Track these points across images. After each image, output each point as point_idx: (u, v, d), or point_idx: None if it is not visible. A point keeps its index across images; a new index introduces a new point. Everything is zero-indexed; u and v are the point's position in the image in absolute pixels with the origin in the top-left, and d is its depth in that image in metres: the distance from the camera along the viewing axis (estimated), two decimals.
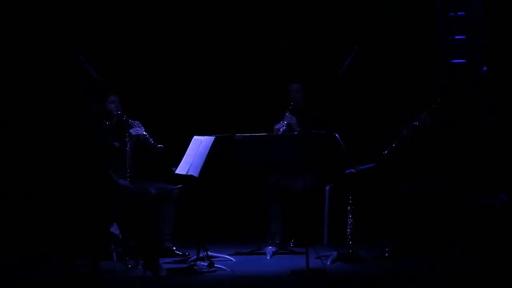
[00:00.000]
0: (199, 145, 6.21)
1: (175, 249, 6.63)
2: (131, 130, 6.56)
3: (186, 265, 6.21)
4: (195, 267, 6.07)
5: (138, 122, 6.61)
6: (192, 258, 6.30)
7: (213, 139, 6.13)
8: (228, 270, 6.03)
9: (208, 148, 6.09)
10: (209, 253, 6.26)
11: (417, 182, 6.29)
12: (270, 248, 6.69)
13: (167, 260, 6.38)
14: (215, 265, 6.08)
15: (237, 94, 8.13)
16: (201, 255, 6.22)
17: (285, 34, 8.01)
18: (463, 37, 7.38)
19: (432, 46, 7.51)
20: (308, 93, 7.06)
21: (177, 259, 6.51)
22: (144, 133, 6.56)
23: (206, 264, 6.10)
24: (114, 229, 6.47)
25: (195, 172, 6.14)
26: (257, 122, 7.13)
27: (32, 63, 7.82)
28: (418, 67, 7.60)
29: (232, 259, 6.49)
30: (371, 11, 7.87)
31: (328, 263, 6.20)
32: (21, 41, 7.83)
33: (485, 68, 7.18)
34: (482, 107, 6.87)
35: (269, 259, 6.56)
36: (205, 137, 6.22)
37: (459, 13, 7.35)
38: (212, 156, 6.09)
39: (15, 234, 7.46)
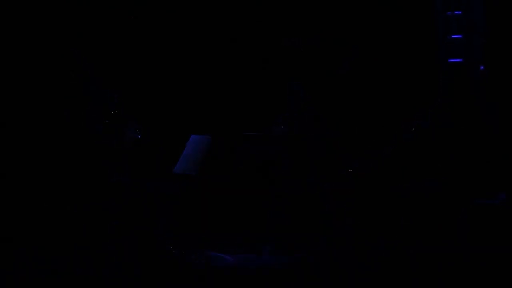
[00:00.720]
0: (197, 144, 6.21)
1: (174, 248, 6.63)
2: (128, 131, 6.58)
3: (184, 264, 6.21)
4: (193, 267, 6.07)
5: (135, 123, 6.62)
6: (191, 257, 6.30)
7: (210, 138, 6.14)
8: (226, 268, 6.03)
9: (206, 147, 6.10)
10: (208, 252, 6.27)
11: (417, 182, 6.30)
12: (269, 248, 6.69)
13: (165, 259, 6.38)
14: (214, 263, 6.09)
15: (237, 94, 8.13)
16: (200, 254, 6.23)
17: (285, 34, 8.02)
18: (463, 36, 7.37)
19: (432, 45, 7.51)
20: (308, 93, 7.07)
21: (176, 258, 6.50)
22: (139, 136, 6.57)
23: (205, 263, 6.12)
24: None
25: (193, 171, 6.14)
26: (257, 122, 7.13)
27: (32, 63, 7.82)
28: (417, 66, 7.60)
29: (230, 258, 6.49)
30: (371, 11, 7.88)
31: (327, 261, 6.20)
32: (21, 41, 7.83)
33: (482, 68, 7.18)
34: (482, 107, 6.87)
35: (267, 258, 6.56)
36: (203, 136, 6.23)
37: (459, 12, 7.35)
38: (211, 155, 6.10)
39: (15, 234, 7.46)
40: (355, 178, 6.37)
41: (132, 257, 6.15)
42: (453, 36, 7.39)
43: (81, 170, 5.95)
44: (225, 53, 8.19)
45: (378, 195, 6.94)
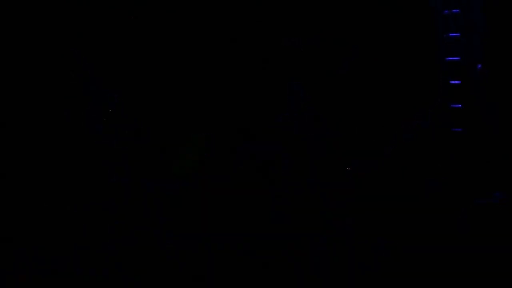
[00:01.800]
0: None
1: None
2: (128, 131, 6.58)
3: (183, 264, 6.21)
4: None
5: (135, 123, 6.62)
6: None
7: None
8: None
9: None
10: None
11: (417, 182, 6.29)
12: None
13: (165, 259, 6.37)
14: None
15: (237, 94, 8.13)
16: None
17: (285, 34, 8.01)
18: (463, 35, 7.37)
19: (432, 45, 7.51)
20: (308, 93, 7.07)
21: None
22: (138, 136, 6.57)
23: None
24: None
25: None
26: (256, 123, 7.13)
27: (32, 63, 7.82)
28: (418, 66, 7.59)
29: None
30: (370, 11, 7.87)
31: (327, 261, 6.20)
32: (21, 41, 7.83)
33: (479, 66, 7.18)
34: (482, 107, 6.87)
35: None
36: None
37: (458, 11, 7.35)
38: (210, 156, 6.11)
39: (15, 234, 7.45)
40: (355, 178, 6.37)
41: (132, 257, 6.15)
42: (452, 35, 7.39)
43: (81, 170, 5.94)
44: (225, 53, 8.18)
45: (378, 195, 6.94)
